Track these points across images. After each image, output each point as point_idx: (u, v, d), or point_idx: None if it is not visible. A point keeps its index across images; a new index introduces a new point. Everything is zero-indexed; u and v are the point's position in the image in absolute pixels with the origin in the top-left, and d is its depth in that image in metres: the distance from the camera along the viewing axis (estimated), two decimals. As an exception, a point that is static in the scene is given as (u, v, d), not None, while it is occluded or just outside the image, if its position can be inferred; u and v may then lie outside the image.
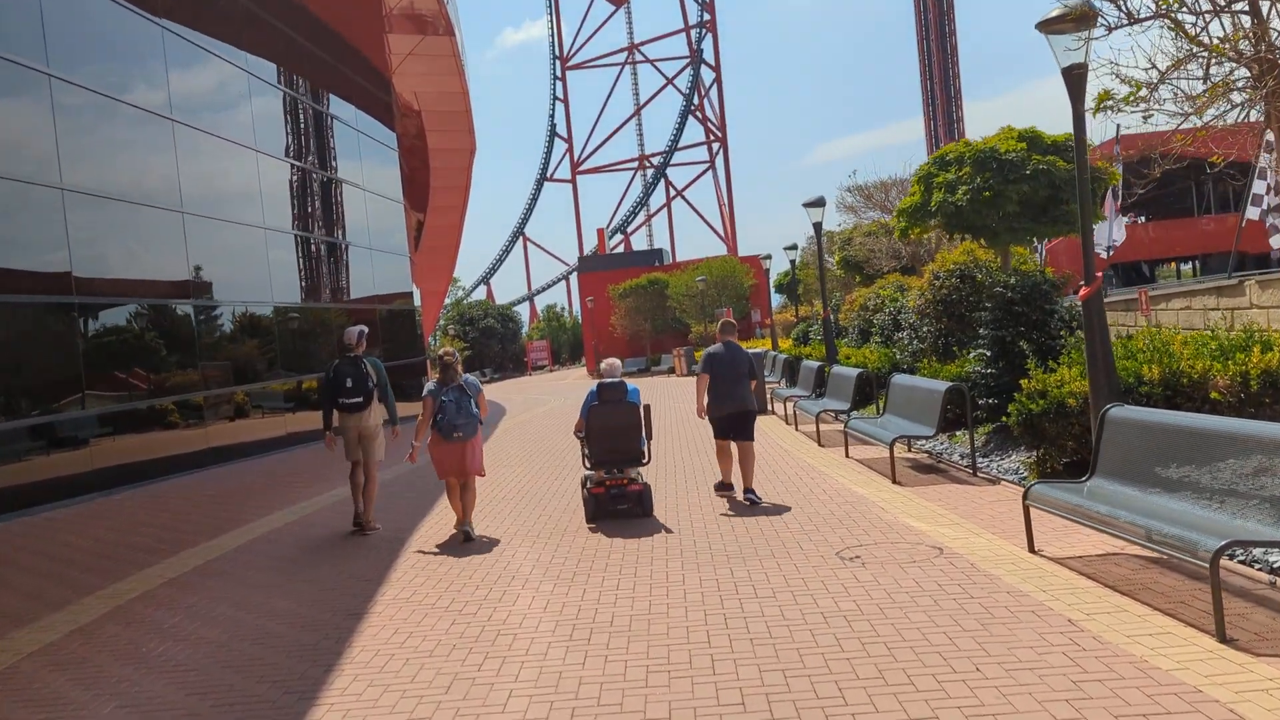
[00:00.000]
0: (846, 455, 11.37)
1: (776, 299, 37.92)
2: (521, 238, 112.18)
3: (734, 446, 9.21)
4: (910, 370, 13.71)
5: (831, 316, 21.66)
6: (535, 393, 36.73)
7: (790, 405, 16.09)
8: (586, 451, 8.84)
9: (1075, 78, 7.52)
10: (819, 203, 18.29)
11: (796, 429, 14.40)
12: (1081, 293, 7.76)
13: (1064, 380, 8.30)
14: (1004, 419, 9.18)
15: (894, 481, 9.40)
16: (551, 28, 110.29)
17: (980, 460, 9.96)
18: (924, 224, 12.41)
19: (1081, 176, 7.68)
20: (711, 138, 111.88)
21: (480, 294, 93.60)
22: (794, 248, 28.94)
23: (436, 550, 8.16)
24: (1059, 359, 9.18)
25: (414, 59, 28.05)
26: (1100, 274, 7.64)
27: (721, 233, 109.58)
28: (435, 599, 6.62)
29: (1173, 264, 55.18)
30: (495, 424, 21.35)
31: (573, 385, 39.70)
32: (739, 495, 9.01)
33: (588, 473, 8.98)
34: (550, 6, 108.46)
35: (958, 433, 11.07)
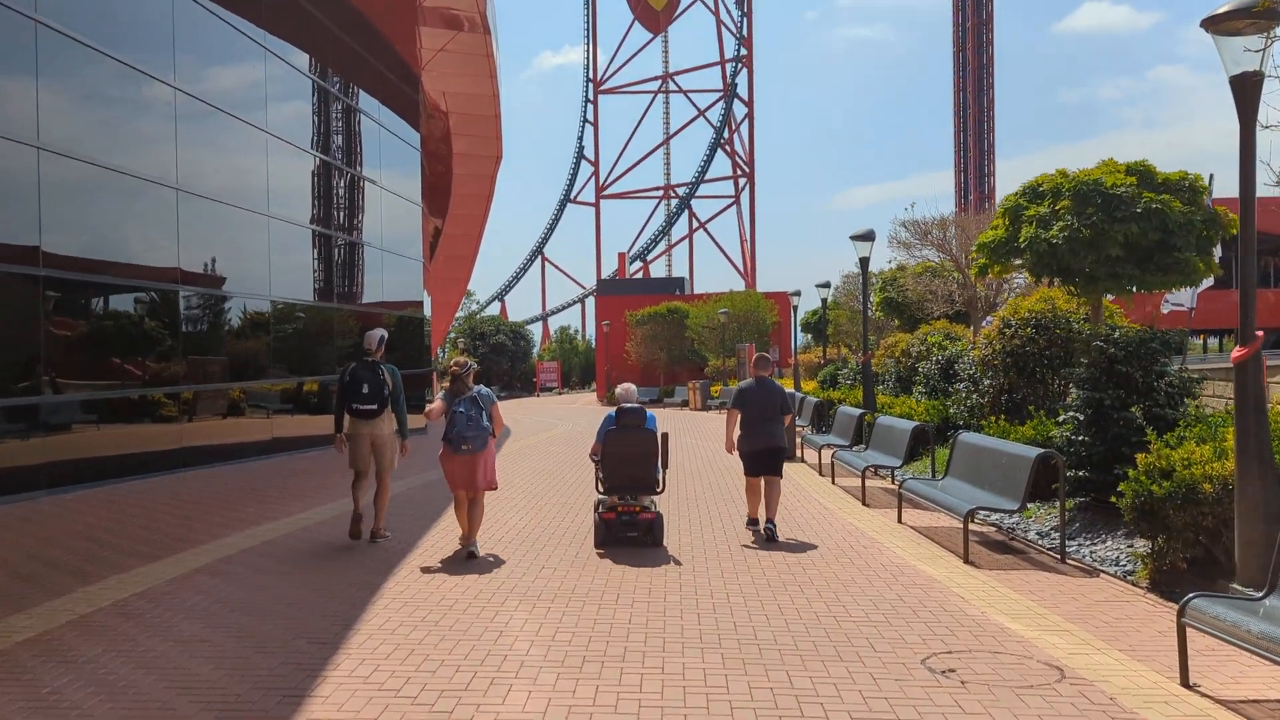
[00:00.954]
0: (899, 520, 9.83)
1: (801, 338, 36.40)
2: (540, 257, 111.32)
3: (762, 482, 9.11)
4: (969, 428, 12.19)
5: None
6: (544, 415, 35.22)
7: (824, 455, 14.55)
8: (601, 476, 8.69)
9: (1250, 86, 6.06)
10: (868, 236, 16.87)
11: (833, 482, 12.86)
12: (1235, 354, 6.27)
13: (1194, 459, 6.77)
14: (1103, 498, 7.66)
15: (965, 560, 7.87)
16: (587, 49, 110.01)
17: (1067, 544, 8.41)
18: (1007, 262, 10.93)
19: (1246, 212, 6.21)
20: (739, 172, 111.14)
21: (494, 310, 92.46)
22: (826, 285, 27.48)
23: (439, 565, 7.83)
24: (1174, 432, 7.65)
25: (445, 57, 26.83)
26: (1261, 333, 6.14)
27: (741, 268, 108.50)
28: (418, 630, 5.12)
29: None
30: (500, 447, 19.86)
31: (582, 410, 38.18)
32: (761, 528, 8.95)
33: (600, 497, 8.80)
34: (587, 28, 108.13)
35: (1029, 505, 9.52)
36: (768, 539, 8.68)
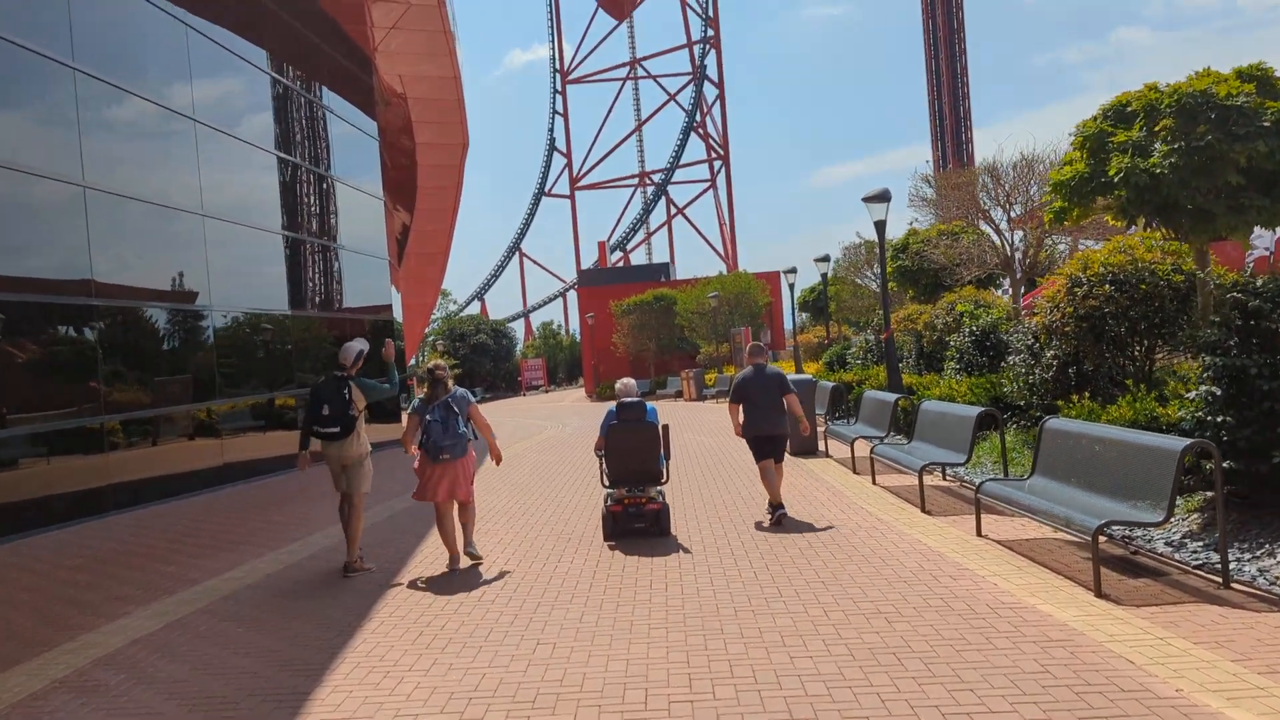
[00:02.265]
0: (978, 533, 7.86)
1: (792, 318, 34.39)
2: (518, 253, 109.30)
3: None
4: (1035, 410, 10.23)
5: (877, 337, 18.41)
6: (529, 416, 33.15)
7: (857, 448, 12.57)
8: (605, 470, 8.82)
9: None
10: (883, 197, 14.91)
11: (874, 482, 10.88)
12: None
13: None
14: (1257, 494, 5.71)
15: (1098, 594, 5.90)
16: (553, 41, 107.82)
17: (1201, 552, 6.46)
18: (1089, 203, 8.87)
19: None
20: (713, 155, 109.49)
21: (474, 310, 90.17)
22: (826, 259, 25.51)
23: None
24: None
25: (400, 35, 24.65)
26: None
27: (722, 252, 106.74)
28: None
29: None
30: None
31: (572, 409, 36.12)
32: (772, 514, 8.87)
33: (607, 490, 8.95)
34: (551, 19, 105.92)
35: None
36: (775, 521, 8.71)
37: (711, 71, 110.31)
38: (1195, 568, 6.37)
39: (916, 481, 9.44)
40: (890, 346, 14.86)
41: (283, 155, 19.31)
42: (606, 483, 8.79)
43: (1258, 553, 6.35)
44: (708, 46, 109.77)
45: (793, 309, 28.73)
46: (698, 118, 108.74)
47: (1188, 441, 5.90)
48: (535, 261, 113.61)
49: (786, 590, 6.50)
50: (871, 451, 11.08)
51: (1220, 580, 5.98)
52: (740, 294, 36.82)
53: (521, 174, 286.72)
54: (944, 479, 10.81)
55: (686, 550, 7.91)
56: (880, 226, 15.01)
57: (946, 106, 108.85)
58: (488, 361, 64.91)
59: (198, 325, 15.97)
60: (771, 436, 9.04)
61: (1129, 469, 6.29)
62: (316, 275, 21.10)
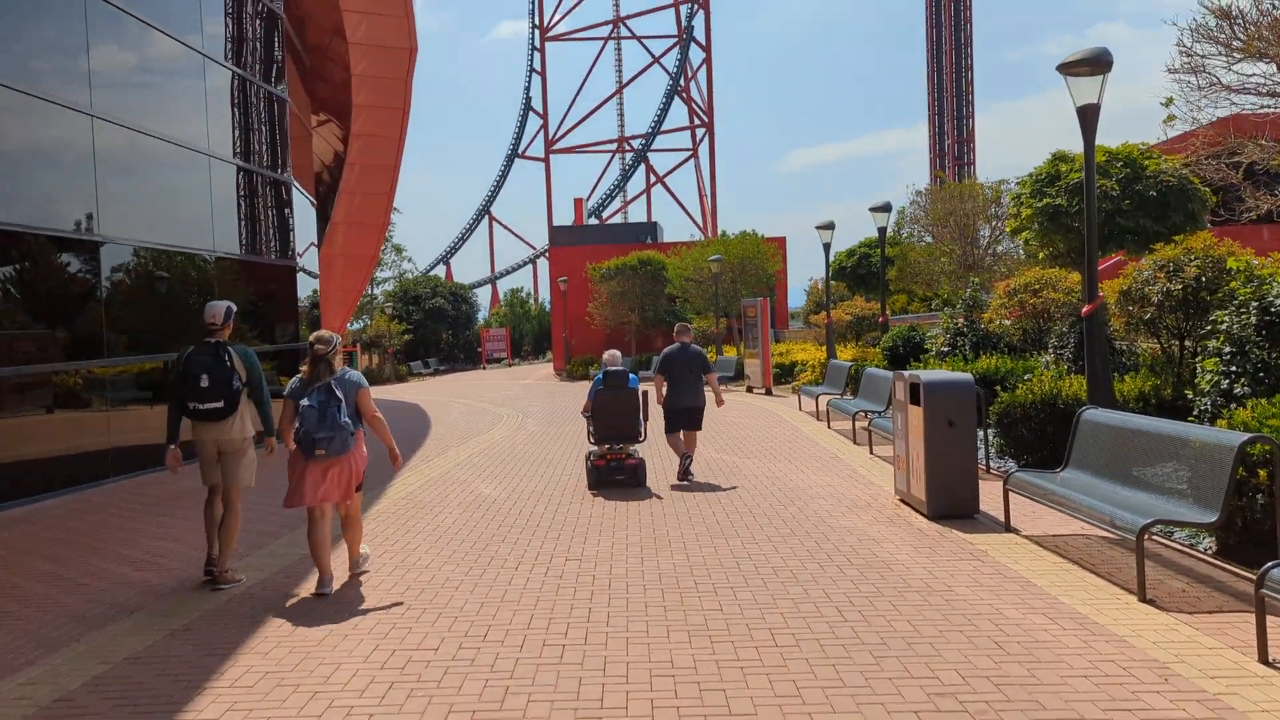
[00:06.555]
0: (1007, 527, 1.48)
1: (826, 287, 27.71)
2: (488, 216, 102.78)
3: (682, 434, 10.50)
4: None
5: (969, 318, 12.48)
6: (482, 397, 26.42)
7: (1060, 521, 6.24)
8: (591, 429, 10.05)
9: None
10: (1100, 62, 8.49)
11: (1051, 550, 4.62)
12: None
13: None
14: None
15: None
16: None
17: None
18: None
19: None
20: (697, 122, 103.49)
21: (439, 275, 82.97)
22: (885, 208, 19.01)
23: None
24: None
25: None
26: None
27: (700, 223, 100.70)
28: None
29: None
30: (384, 478, 11.17)
31: (538, 389, 29.40)
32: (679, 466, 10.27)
33: (592, 448, 10.18)
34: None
35: None
36: (683, 475, 10.10)
37: (699, 34, 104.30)
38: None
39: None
40: (1097, 328, 8.46)
41: (123, 13, 12.46)
42: (592, 441, 10.11)
43: None
44: (696, 7, 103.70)
45: (826, 276, 22.21)
46: (682, 82, 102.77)
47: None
48: (505, 226, 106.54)
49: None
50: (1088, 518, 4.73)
51: None
52: (747, 259, 30.28)
53: (497, 138, 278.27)
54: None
55: (658, 497, 9.18)
56: (1087, 115, 8.56)
57: (948, 76, 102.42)
58: (444, 328, 57.89)
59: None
60: (692, 408, 10.42)
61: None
62: (167, 193, 14.33)
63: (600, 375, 10.09)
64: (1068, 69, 8.59)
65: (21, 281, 11.15)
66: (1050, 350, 11.77)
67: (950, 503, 7.84)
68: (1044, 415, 9.36)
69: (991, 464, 10.05)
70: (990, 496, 8.38)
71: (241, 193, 16.38)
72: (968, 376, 7.95)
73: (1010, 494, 7.47)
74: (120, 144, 13.01)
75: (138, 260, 13.36)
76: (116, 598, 6.32)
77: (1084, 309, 8.59)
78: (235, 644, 5.20)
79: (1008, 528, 7.39)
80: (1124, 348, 11.25)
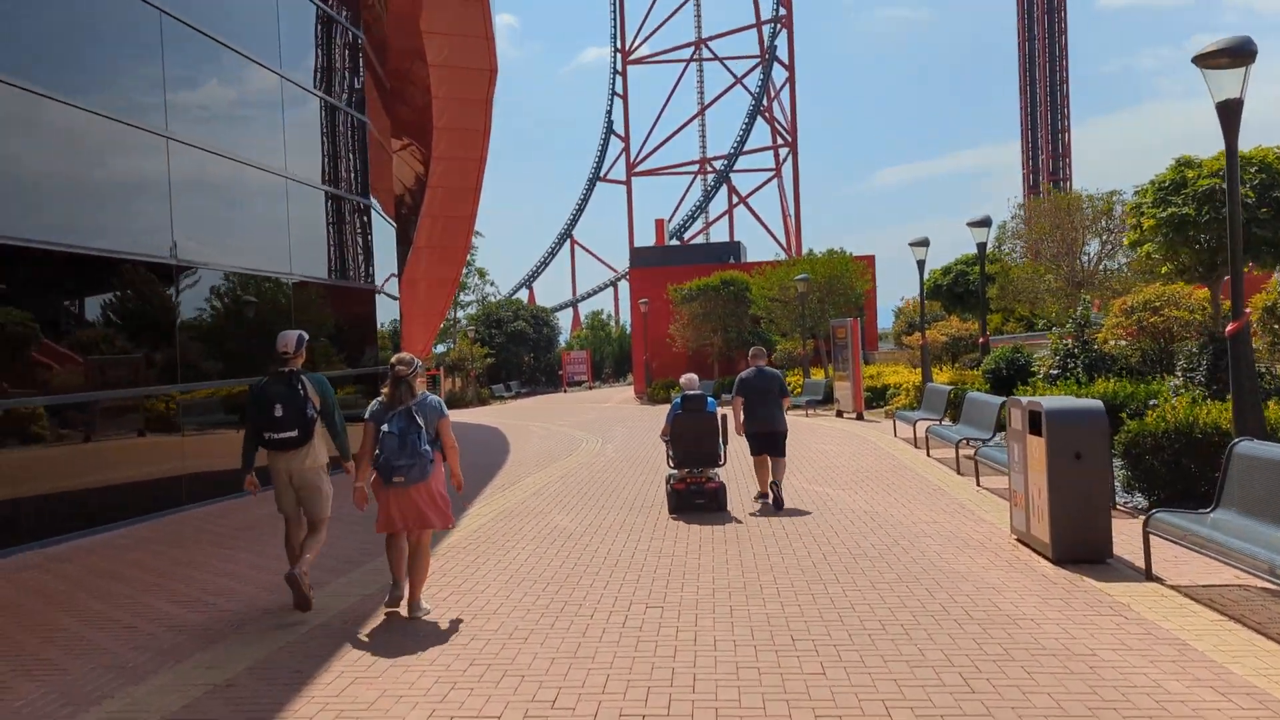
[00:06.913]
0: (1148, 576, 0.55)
1: (921, 306, 26.65)
2: (569, 239, 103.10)
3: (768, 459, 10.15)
4: None
5: (1079, 336, 11.53)
6: (564, 420, 25.96)
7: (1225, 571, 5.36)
8: (671, 453, 9.98)
9: None
10: (1243, 52, 7.61)
11: None
12: None
13: None
14: None
15: None
16: (615, 18, 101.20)
17: None
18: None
19: None
20: (780, 141, 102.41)
21: (521, 299, 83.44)
22: (985, 224, 17.99)
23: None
24: None
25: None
26: None
27: (784, 243, 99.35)
28: None
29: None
30: (456, 509, 10.71)
31: (618, 412, 28.89)
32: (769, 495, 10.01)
33: (671, 472, 10.12)
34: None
35: None
36: (775, 503, 9.80)
37: (782, 53, 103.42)
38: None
39: None
40: (1243, 349, 7.50)
41: (200, 32, 12.37)
42: (671, 465, 10.03)
43: None
44: (779, 26, 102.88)
45: (921, 294, 21.21)
46: (765, 101, 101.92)
47: None
48: (587, 249, 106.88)
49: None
50: None
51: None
52: (835, 278, 29.33)
53: (579, 161, 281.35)
54: None
55: (739, 521, 9.11)
56: (1227, 110, 7.63)
57: (1041, 88, 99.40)
58: (526, 352, 57.92)
59: (44, 282, 9.17)
60: (772, 433, 10.07)
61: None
62: (250, 221, 14.21)
63: (679, 399, 10.03)
64: (1205, 61, 7.70)
65: (117, 307, 11.06)
66: (1179, 373, 10.72)
67: (1078, 545, 6.97)
68: (1179, 446, 8.38)
69: (1118, 499, 9.08)
70: (1123, 537, 7.48)
71: (324, 217, 16.24)
72: (1097, 404, 7.07)
73: (1150, 536, 6.58)
74: (203, 169, 12.90)
75: (226, 284, 13.24)
76: (163, 644, 5.87)
77: (1228, 328, 7.63)
78: (277, 706, 4.68)
79: (1149, 575, 6.50)
80: (1263, 370, 10.16)
